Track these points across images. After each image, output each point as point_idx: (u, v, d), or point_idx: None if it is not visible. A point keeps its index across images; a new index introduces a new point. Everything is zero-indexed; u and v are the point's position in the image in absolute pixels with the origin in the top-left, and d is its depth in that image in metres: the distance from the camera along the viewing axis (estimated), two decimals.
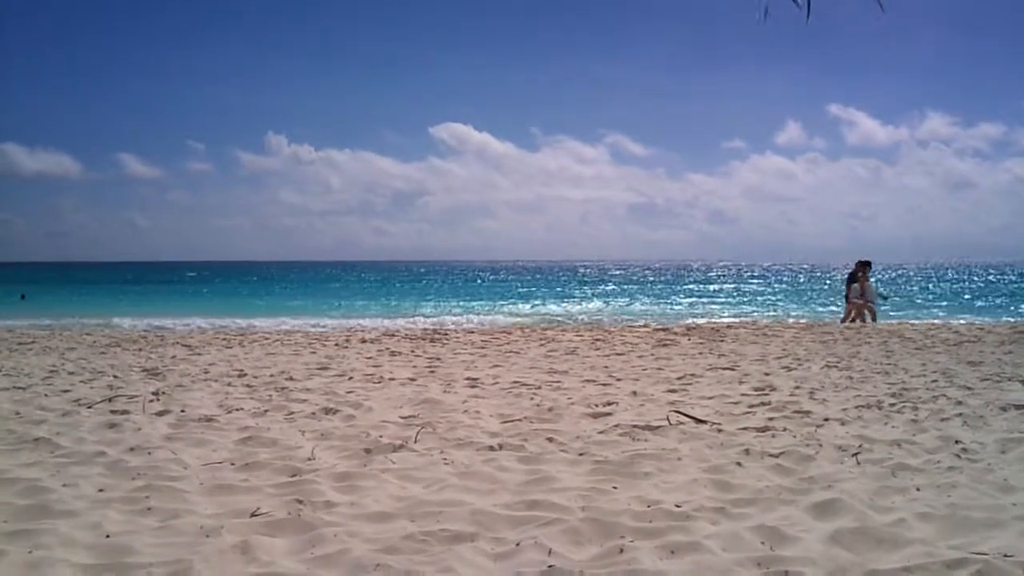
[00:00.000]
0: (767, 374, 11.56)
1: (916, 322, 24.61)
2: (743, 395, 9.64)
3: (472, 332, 20.35)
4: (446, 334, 19.63)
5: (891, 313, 31.31)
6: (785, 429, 7.58)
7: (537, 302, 47.27)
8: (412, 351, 15.42)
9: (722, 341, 16.96)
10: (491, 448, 6.93)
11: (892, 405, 8.79)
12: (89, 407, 8.96)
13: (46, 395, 9.89)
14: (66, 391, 10.22)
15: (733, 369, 12.19)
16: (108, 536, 4.74)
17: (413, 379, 11.31)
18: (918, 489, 5.60)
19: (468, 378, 11.33)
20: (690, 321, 26.50)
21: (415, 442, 7.13)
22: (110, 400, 9.40)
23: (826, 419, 8.03)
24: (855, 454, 6.55)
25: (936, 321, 25.51)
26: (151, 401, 9.30)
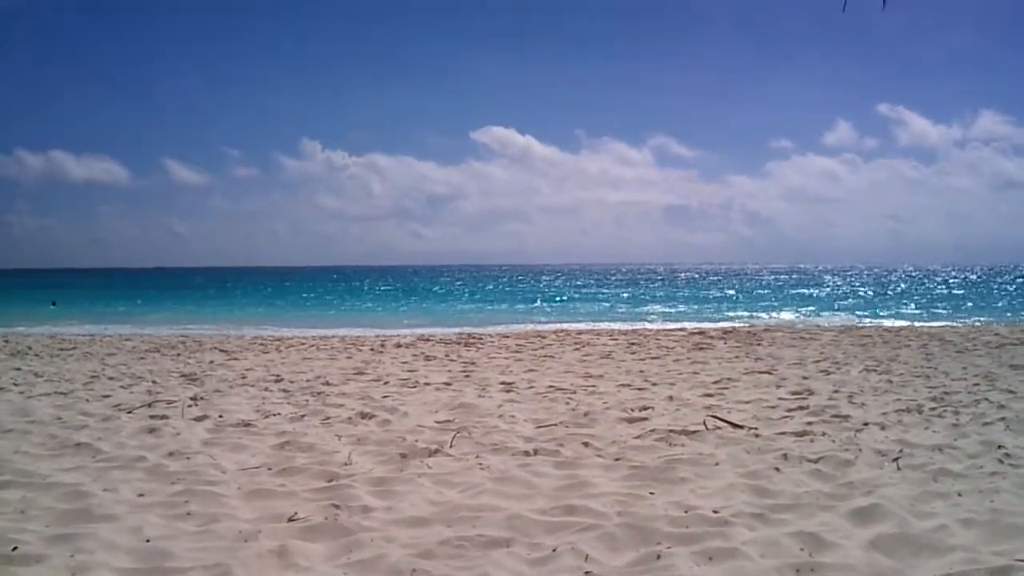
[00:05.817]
0: (805, 378, 11.46)
1: (957, 325, 24.29)
2: (780, 399, 9.56)
3: (506, 336, 20.35)
4: (480, 338, 19.66)
5: (936, 312, 30.98)
6: (824, 434, 7.51)
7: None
8: (447, 355, 15.46)
9: (758, 345, 16.84)
10: (526, 453, 6.92)
11: (933, 409, 8.67)
12: (129, 412, 9.06)
13: (87, 400, 10.02)
14: (106, 396, 10.36)
15: (770, 373, 12.09)
16: (148, 540, 4.79)
17: (448, 384, 11.33)
18: (960, 495, 5.52)
19: (503, 382, 11.34)
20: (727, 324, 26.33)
21: (451, 447, 7.14)
22: (150, 405, 9.51)
23: (865, 423, 7.94)
24: (895, 459, 6.46)
25: (977, 323, 25.13)
26: (190, 406, 9.39)
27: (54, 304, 43.15)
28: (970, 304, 39.89)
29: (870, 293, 56.11)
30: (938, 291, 56.32)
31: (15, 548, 4.60)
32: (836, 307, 39.76)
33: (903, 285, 62.20)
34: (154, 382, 11.77)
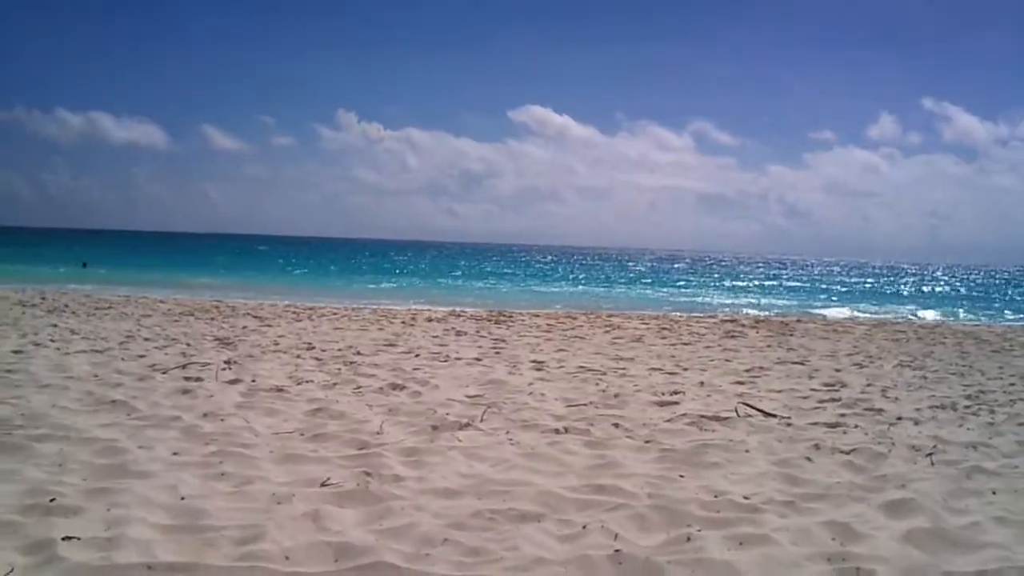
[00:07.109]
0: (838, 370, 11.37)
1: (993, 324, 24.00)
2: (813, 390, 9.50)
3: (537, 315, 20.34)
4: (511, 316, 19.67)
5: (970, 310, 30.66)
6: (856, 426, 7.45)
7: None
8: (477, 331, 15.49)
9: (791, 335, 16.73)
10: (556, 431, 6.93)
11: (967, 407, 8.59)
12: (164, 373, 9.17)
13: (123, 359, 10.14)
14: (142, 356, 10.48)
15: (803, 364, 12.02)
16: (183, 498, 4.85)
17: (479, 359, 11.36)
18: (994, 493, 5.46)
19: (533, 361, 11.35)
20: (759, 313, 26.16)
21: (481, 421, 7.17)
22: (184, 367, 9.61)
23: (899, 418, 7.87)
24: (929, 454, 6.41)
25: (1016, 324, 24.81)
26: (223, 369, 9.48)
27: (84, 265, 43.71)
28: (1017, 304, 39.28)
29: (909, 289, 55.56)
30: (977, 290, 55.60)
31: (53, 500, 4.68)
32: (876, 301, 39.42)
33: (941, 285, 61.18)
34: (188, 344, 11.90)
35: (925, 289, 55.61)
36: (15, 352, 10.38)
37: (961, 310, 33.55)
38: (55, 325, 13.87)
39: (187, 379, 8.81)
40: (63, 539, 4.11)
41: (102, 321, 15.04)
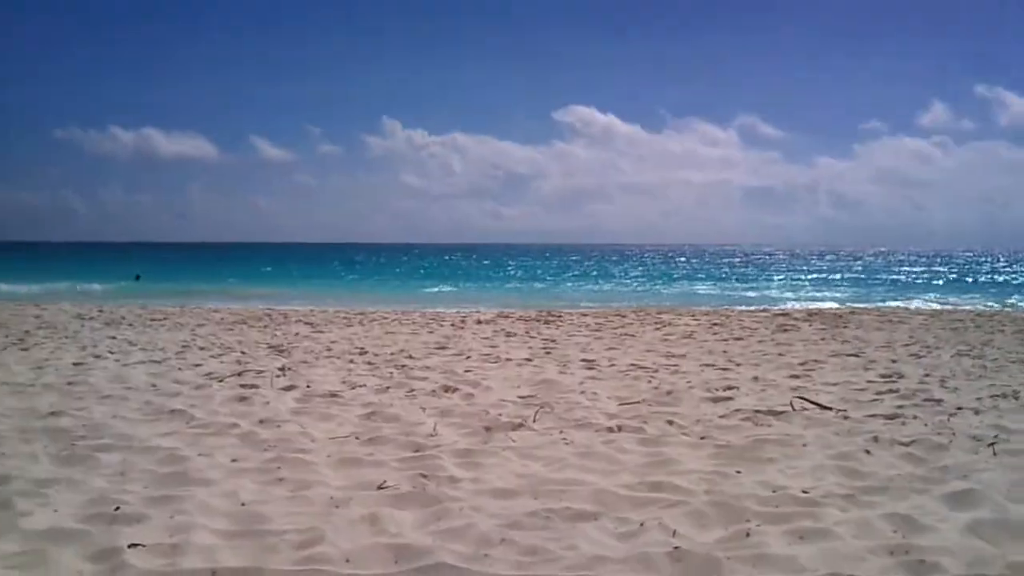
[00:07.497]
0: (894, 361, 11.20)
1: None
2: (869, 382, 9.36)
3: (586, 315, 20.30)
4: (560, 316, 19.65)
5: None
6: (915, 417, 7.33)
7: None
8: (527, 332, 15.50)
9: (845, 327, 16.51)
10: (610, 429, 6.91)
11: None
12: (220, 381, 9.31)
13: (180, 369, 10.31)
14: (198, 365, 10.65)
15: (858, 355, 11.85)
16: (243, 504, 4.92)
17: (529, 360, 11.37)
18: None
19: (584, 360, 11.33)
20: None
21: (534, 421, 7.18)
22: (239, 375, 9.75)
23: (959, 408, 7.73)
24: (991, 444, 6.28)
25: None
26: (278, 376, 9.60)
27: (138, 278, 44.48)
28: None
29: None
30: None
31: (117, 508, 4.77)
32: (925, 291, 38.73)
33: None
34: (243, 352, 12.06)
35: (999, 278, 53.59)
36: (76, 364, 10.61)
37: None
38: (113, 337, 14.14)
39: (243, 387, 8.93)
40: (129, 547, 4.19)
41: (158, 332, 15.29)
